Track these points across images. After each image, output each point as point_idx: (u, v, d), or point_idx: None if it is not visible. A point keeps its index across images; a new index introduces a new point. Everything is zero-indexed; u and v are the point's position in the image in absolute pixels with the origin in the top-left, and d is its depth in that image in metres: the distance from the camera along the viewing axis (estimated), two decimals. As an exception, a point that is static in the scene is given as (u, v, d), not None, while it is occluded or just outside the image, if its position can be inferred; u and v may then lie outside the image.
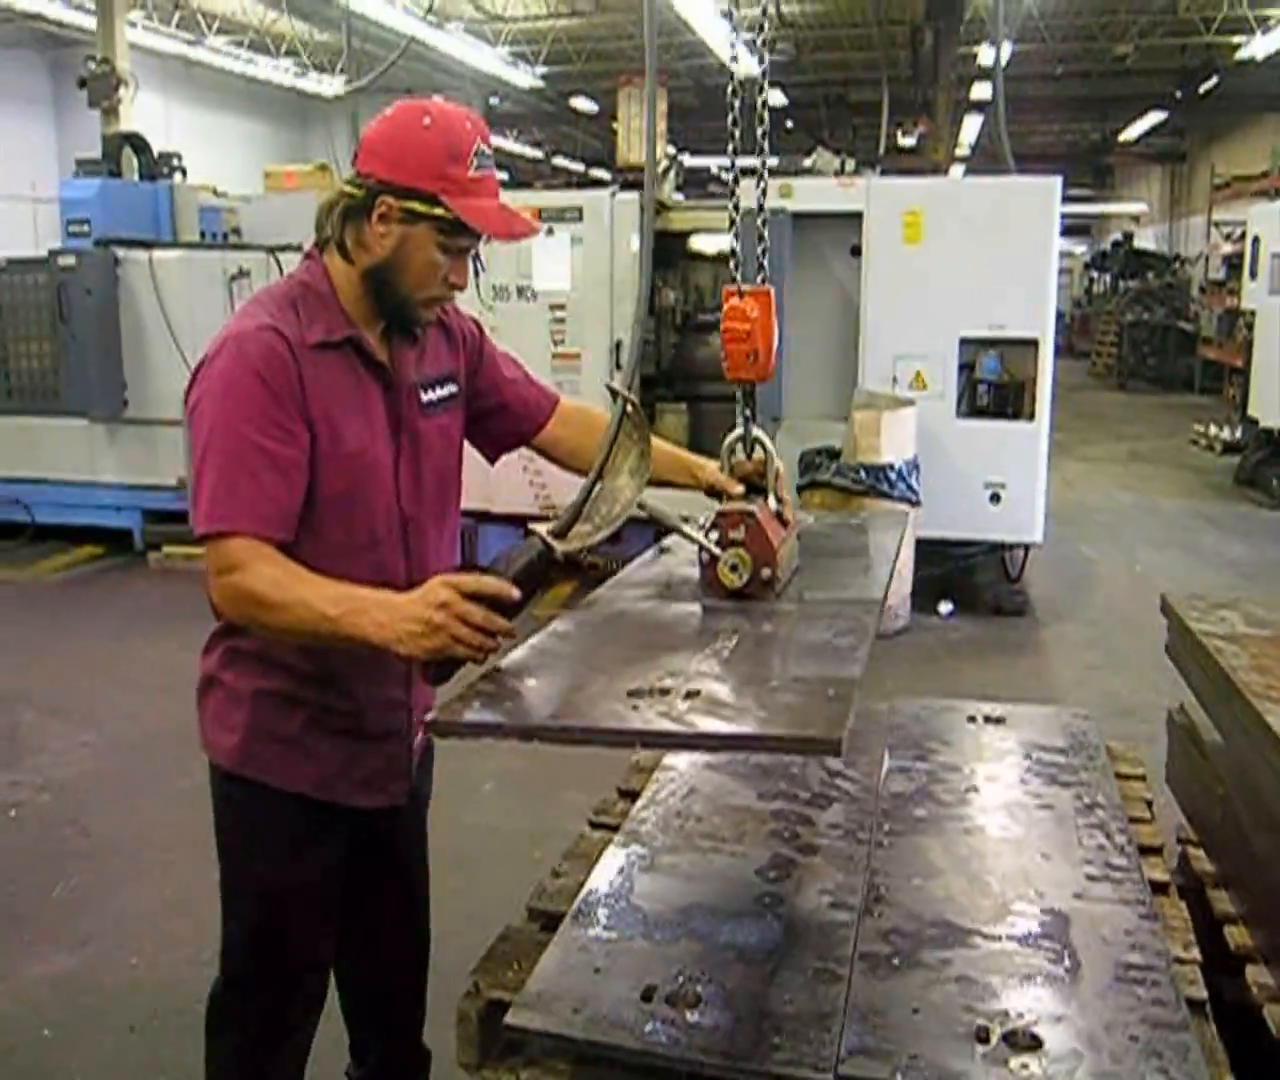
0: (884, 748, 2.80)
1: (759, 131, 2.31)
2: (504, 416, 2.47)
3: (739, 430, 2.37)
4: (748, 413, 2.35)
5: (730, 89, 2.34)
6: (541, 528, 2.11)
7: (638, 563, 2.58)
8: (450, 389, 2.32)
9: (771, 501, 2.29)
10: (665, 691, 1.73)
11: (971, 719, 3.01)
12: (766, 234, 2.37)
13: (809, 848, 2.32)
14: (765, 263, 2.37)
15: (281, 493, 2.00)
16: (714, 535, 2.17)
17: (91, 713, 5.82)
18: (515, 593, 1.92)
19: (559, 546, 2.09)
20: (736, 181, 2.35)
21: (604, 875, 2.21)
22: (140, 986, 3.63)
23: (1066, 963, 1.90)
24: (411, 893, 2.59)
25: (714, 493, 2.39)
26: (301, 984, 2.35)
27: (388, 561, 2.18)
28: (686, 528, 2.20)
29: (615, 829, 2.43)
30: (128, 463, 8.69)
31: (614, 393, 2.26)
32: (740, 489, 2.34)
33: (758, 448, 2.38)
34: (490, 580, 1.91)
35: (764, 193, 2.37)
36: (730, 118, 2.35)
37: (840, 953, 1.94)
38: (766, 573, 2.15)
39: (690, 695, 1.72)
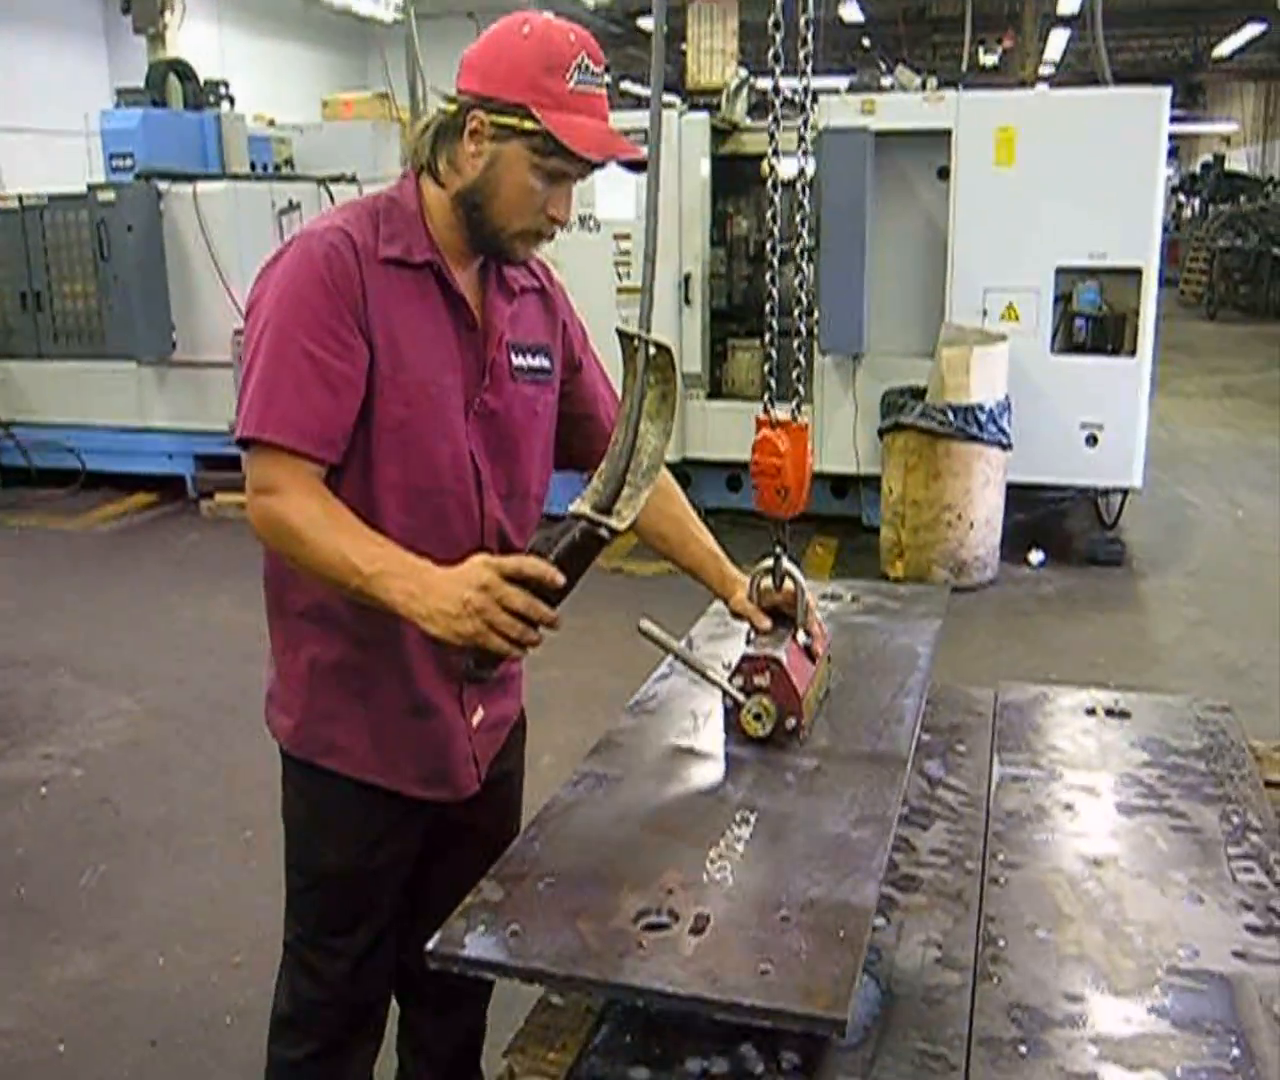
0: (991, 747, 2.49)
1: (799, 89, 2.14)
2: (586, 431, 2.27)
3: (768, 562, 2.22)
4: (778, 549, 2.21)
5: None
6: (582, 504, 1.84)
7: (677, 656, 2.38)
8: (542, 362, 2.13)
9: (801, 636, 2.18)
10: (675, 916, 1.60)
11: (1090, 711, 2.68)
12: (807, 202, 2.26)
13: (909, 881, 2.01)
14: (804, 234, 2.22)
15: (327, 408, 1.85)
16: (738, 680, 2.07)
17: (133, 677, 5.56)
18: (560, 578, 1.75)
19: (614, 524, 1.82)
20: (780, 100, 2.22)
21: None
22: (165, 995, 3.38)
23: (1235, 1053, 1.55)
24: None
25: (740, 617, 2.25)
26: (365, 981, 2.20)
27: (451, 513, 2.00)
28: (710, 672, 2.10)
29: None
30: (178, 407, 8.45)
31: (627, 336, 1.91)
32: (767, 624, 2.20)
33: (788, 580, 2.23)
34: (533, 562, 1.74)
35: (807, 150, 2.25)
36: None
37: (953, 1032, 1.63)
38: (791, 723, 2.07)
39: (698, 927, 1.58)
